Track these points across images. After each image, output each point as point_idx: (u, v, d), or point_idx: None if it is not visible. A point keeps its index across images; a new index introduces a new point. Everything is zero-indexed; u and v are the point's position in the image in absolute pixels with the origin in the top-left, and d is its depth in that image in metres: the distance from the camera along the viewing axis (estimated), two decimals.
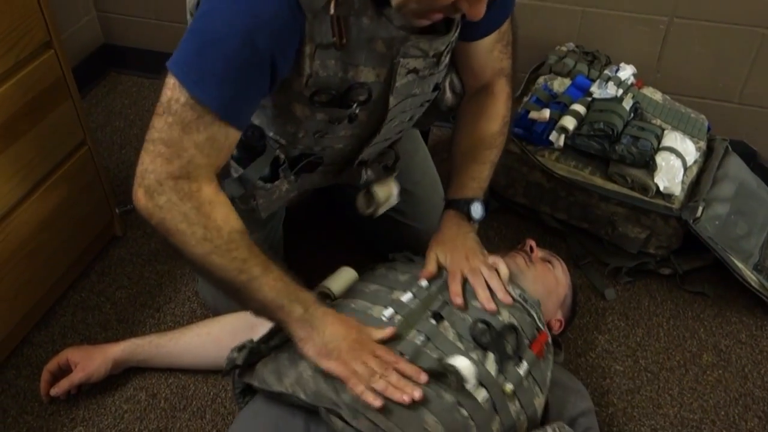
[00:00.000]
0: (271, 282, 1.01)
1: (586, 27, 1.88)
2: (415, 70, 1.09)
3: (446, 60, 1.16)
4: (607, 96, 1.71)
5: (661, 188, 1.59)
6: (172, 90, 0.95)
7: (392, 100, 1.12)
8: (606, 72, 1.78)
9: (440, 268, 1.23)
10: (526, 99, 1.80)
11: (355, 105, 1.08)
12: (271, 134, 1.17)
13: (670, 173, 1.59)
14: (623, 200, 1.62)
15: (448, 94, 1.29)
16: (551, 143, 1.68)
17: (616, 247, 1.71)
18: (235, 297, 1.04)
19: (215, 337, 1.39)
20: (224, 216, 1.00)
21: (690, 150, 1.65)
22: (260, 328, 1.19)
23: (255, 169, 1.15)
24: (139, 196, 0.99)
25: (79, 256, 1.67)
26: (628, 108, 1.68)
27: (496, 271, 1.20)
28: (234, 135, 1.00)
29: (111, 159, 2.05)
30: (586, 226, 1.74)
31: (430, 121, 1.42)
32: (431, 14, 0.96)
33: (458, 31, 1.13)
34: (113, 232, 1.80)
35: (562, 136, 1.66)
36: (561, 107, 1.71)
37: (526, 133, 1.72)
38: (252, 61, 0.93)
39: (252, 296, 1.02)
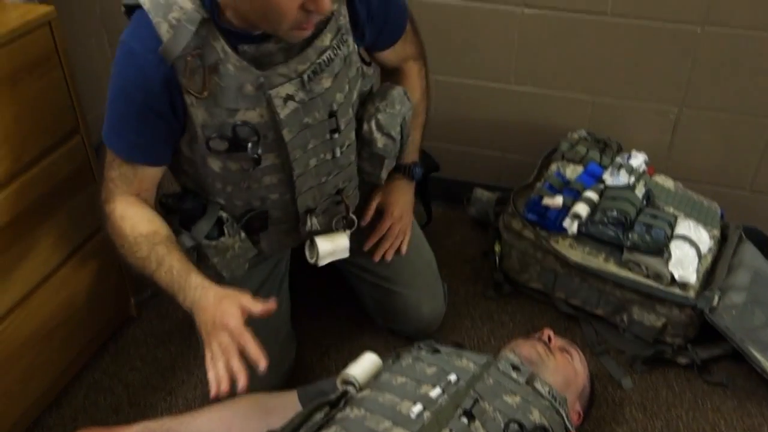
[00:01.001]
0: (163, 275, 1.15)
1: (598, 115, 1.93)
2: (290, 97, 1.14)
3: (326, 82, 1.18)
4: (620, 183, 1.74)
5: (676, 277, 1.59)
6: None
7: (286, 134, 1.17)
8: (618, 159, 1.81)
9: (463, 357, 1.24)
10: (539, 185, 1.83)
11: (250, 146, 1.16)
12: (211, 197, 1.28)
13: (685, 262, 1.59)
14: (638, 288, 1.62)
15: (376, 135, 1.33)
16: (565, 229, 1.70)
17: (631, 334, 1.70)
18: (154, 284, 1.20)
19: (227, 423, 1.37)
20: (131, 225, 1.20)
21: (704, 238, 1.66)
22: (275, 413, 1.18)
23: (198, 229, 1.25)
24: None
25: (94, 336, 1.68)
26: (640, 196, 1.70)
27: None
28: (142, 170, 1.21)
29: None
30: (600, 312, 1.73)
31: (375, 168, 1.41)
32: (299, 25, 1.05)
33: (329, 52, 1.16)
34: (129, 312, 1.81)
35: (576, 223, 1.68)
36: (574, 194, 1.74)
37: (539, 219, 1.73)
38: (139, 113, 1.12)
39: (160, 284, 1.17)
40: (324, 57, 1.16)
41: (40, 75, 1.34)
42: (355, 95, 1.30)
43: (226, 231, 1.27)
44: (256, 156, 1.18)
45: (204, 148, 1.17)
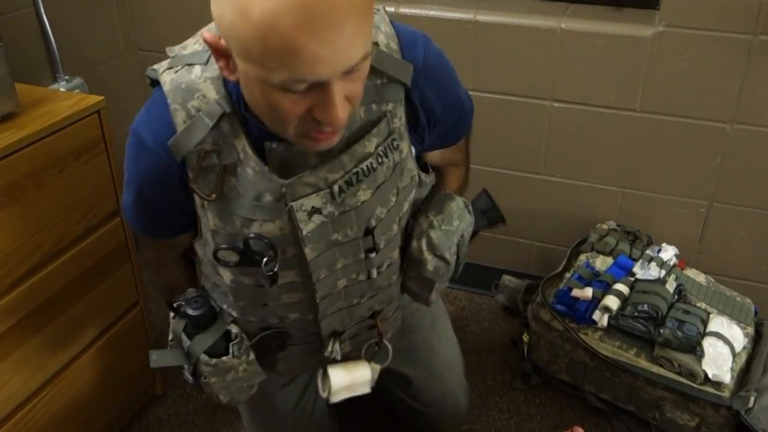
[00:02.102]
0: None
1: (627, 206, 1.93)
2: (316, 210, 0.95)
3: (364, 194, 0.98)
4: (650, 277, 1.73)
5: (710, 375, 1.55)
6: None
7: (309, 252, 0.98)
8: (648, 252, 1.81)
9: None
10: (568, 275, 1.82)
11: (264, 261, 0.98)
12: (224, 307, 1.12)
13: (719, 360, 1.56)
14: (671, 385, 1.58)
15: (426, 255, 1.10)
16: (594, 322, 1.68)
17: None
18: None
19: None
20: (187, 283, 1.20)
21: (738, 336, 1.63)
22: None
23: (200, 342, 1.09)
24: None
25: (119, 414, 1.68)
26: (671, 290, 1.69)
27: None
28: (180, 238, 1.10)
29: (158, 315, 2.10)
30: (632, 408, 1.69)
31: (423, 290, 1.18)
32: (311, 134, 0.84)
33: (372, 159, 0.97)
34: (154, 390, 1.81)
35: (606, 316, 1.66)
36: (604, 286, 1.73)
37: (569, 311, 1.72)
38: (152, 205, 1.03)
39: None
40: (363, 166, 0.96)
41: (86, 160, 1.40)
42: (405, 207, 1.08)
43: (231, 350, 1.10)
44: (270, 273, 1.00)
45: (213, 257, 1.01)
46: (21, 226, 1.28)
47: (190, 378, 1.13)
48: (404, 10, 1.85)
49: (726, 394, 1.56)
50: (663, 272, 1.74)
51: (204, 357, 1.08)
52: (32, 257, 1.32)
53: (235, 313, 1.11)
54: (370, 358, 1.22)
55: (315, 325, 1.11)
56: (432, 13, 1.83)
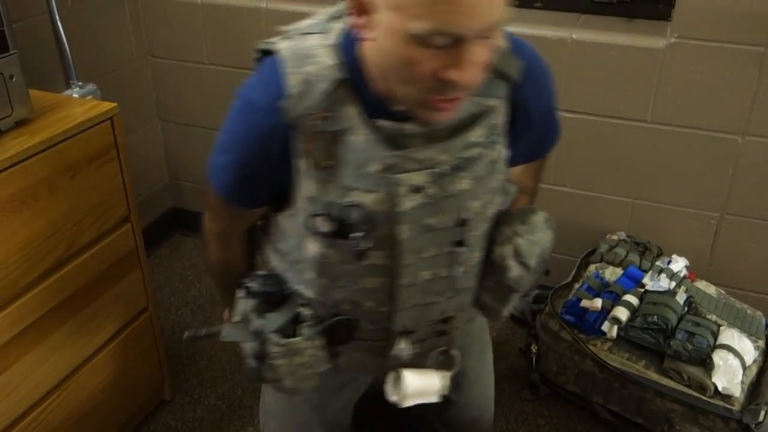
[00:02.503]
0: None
1: (637, 218, 1.93)
2: (419, 188, 0.95)
3: (463, 183, 0.98)
4: (660, 288, 1.72)
5: (720, 388, 1.54)
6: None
7: (403, 230, 0.97)
8: (658, 263, 1.80)
9: None
10: (577, 286, 1.82)
11: (356, 236, 0.96)
12: (300, 288, 1.09)
13: (729, 373, 1.55)
14: (680, 398, 1.58)
15: (510, 262, 1.07)
16: (604, 333, 1.67)
17: None
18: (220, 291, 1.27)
19: None
20: (242, 262, 1.20)
21: (748, 349, 1.62)
22: None
23: (271, 321, 1.06)
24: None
25: (127, 419, 1.68)
26: (681, 302, 1.68)
27: None
28: (253, 211, 1.10)
29: (167, 320, 2.11)
30: (641, 421, 1.68)
31: (497, 302, 1.15)
32: (432, 101, 0.85)
33: (478, 149, 0.98)
34: (162, 395, 1.82)
35: (615, 327, 1.66)
36: (613, 297, 1.72)
37: (577, 321, 1.71)
38: (245, 165, 0.99)
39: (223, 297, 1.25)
40: (468, 154, 0.96)
41: (98, 166, 1.41)
42: (491, 210, 1.06)
43: (302, 331, 1.07)
44: (358, 250, 0.98)
45: (304, 226, 1.00)
46: (33, 230, 1.30)
47: (252, 362, 1.09)
48: None
49: (736, 407, 1.54)
50: (673, 284, 1.73)
51: (274, 337, 1.05)
52: (44, 262, 1.33)
53: (310, 293, 1.07)
54: (438, 367, 1.18)
55: (387, 319, 1.08)
56: None
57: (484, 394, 1.40)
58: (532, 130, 1.06)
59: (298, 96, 0.90)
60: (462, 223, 1.01)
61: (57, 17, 1.85)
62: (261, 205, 1.09)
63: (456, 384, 1.28)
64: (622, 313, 1.66)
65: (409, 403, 1.17)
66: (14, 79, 1.26)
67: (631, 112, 1.78)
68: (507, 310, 1.17)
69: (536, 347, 1.81)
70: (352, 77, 0.91)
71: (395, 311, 1.06)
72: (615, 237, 1.92)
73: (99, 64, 2.05)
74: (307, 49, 0.92)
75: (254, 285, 1.08)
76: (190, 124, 2.32)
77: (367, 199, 0.94)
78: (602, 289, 1.77)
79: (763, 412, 1.53)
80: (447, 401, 1.32)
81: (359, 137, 0.92)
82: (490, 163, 1.00)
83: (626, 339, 1.66)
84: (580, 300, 1.74)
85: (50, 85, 1.87)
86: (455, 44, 0.78)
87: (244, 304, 1.08)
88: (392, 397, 1.18)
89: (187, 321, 2.12)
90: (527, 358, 1.85)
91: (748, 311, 1.76)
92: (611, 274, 1.82)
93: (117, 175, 1.46)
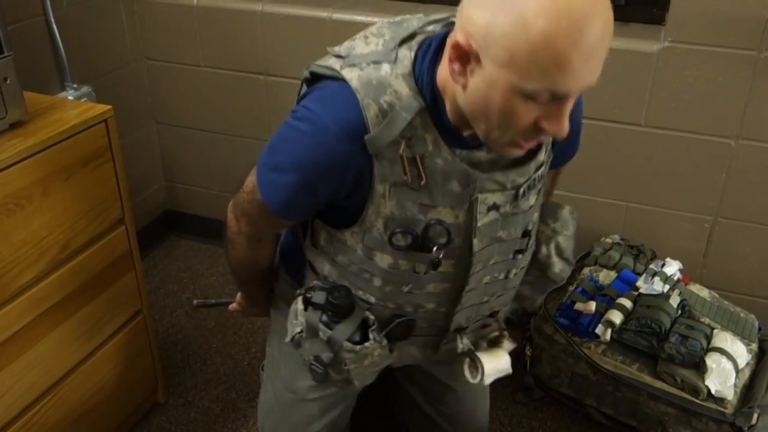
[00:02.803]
0: (253, 289, 1.32)
1: (631, 221, 1.93)
2: (495, 207, 1.03)
3: (531, 199, 1.08)
4: (654, 291, 1.72)
5: (713, 391, 1.55)
6: (253, 179, 1.09)
7: (476, 243, 1.04)
8: (652, 266, 1.81)
9: None
10: (571, 289, 1.82)
11: (435, 248, 1.03)
12: (360, 294, 1.14)
13: (722, 376, 1.56)
14: (673, 401, 1.58)
15: (554, 258, 1.19)
16: (597, 336, 1.68)
17: None
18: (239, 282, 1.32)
19: None
20: (268, 262, 1.25)
21: (741, 352, 1.62)
22: None
23: (342, 330, 1.11)
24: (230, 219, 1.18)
25: (121, 422, 1.68)
26: (675, 305, 1.68)
27: None
28: (273, 219, 1.10)
29: (161, 322, 2.11)
30: (634, 424, 1.69)
31: (536, 293, 1.28)
32: (519, 141, 0.92)
33: (543, 168, 1.07)
34: (156, 398, 1.81)
35: (609, 330, 1.66)
36: (607, 300, 1.73)
37: (571, 324, 1.72)
38: (303, 186, 1.01)
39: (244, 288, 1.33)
40: (539, 173, 1.06)
41: (93, 168, 1.41)
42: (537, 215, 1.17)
43: (371, 336, 1.12)
44: (437, 260, 1.05)
45: (382, 241, 1.05)
46: (27, 232, 1.29)
47: (319, 369, 1.15)
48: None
49: (729, 410, 1.55)
50: (667, 287, 1.74)
51: (347, 344, 1.10)
52: (38, 264, 1.33)
53: (373, 299, 1.13)
54: (495, 347, 1.27)
55: (443, 318, 1.16)
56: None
57: (479, 384, 1.40)
58: (563, 143, 1.11)
59: (386, 126, 0.94)
60: (526, 234, 1.11)
61: (52, 19, 1.85)
62: (308, 218, 1.14)
63: (453, 372, 1.35)
64: (615, 316, 1.66)
65: (491, 380, 1.24)
66: (8, 81, 1.26)
67: (625, 116, 1.79)
68: (542, 299, 1.27)
69: (530, 350, 1.81)
70: (430, 106, 0.95)
71: (456, 312, 1.14)
72: (609, 240, 1.92)
73: (94, 66, 2.05)
74: (382, 79, 0.95)
75: (319, 298, 1.12)
76: (185, 127, 2.32)
77: (449, 216, 1.02)
78: (596, 292, 1.77)
79: (755, 415, 1.53)
80: (447, 388, 1.38)
81: (439, 160, 0.97)
82: (543, 176, 1.09)
83: (620, 342, 1.67)
84: (574, 303, 1.74)
85: (45, 87, 1.87)
86: (553, 100, 0.85)
87: (308, 316, 1.12)
88: (473, 380, 1.25)
89: (182, 323, 2.11)
90: (521, 361, 1.85)
91: (742, 314, 1.76)
92: (605, 277, 1.82)
93: (112, 178, 1.46)
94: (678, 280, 1.79)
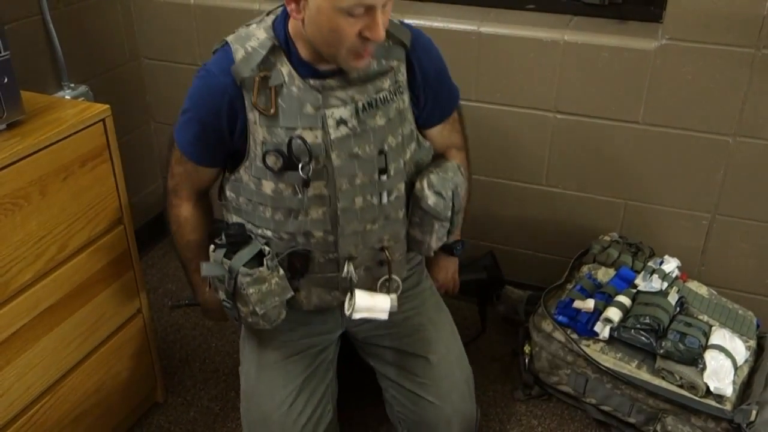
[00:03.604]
0: (192, 276, 1.51)
1: (629, 218, 1.94)
2: (343, 121, 1.24)
3: (379, 120, 1.27)
4: (652, 289, 1.73)
5: (712, 388, 1.55)
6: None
7: (335, 158, 1.25)
8: (650, 264, 1.81)
9: None
10: (570, 287, 1.82)
11: (301, 166, 1.24)
12: (258, 231, 1.34)
13: (720, 373, 1.56)
14: (672, 398, 1.58)
15: (427, 192, 1.35)
16: (596, 334, 1.68)
17: None
18: (184, 270, 1.53)
19: None
20: (190, 229, 1.45)
21: (739, 349, 1.62)
22: None
23: (239, 258, 1.30)
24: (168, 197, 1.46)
25: (120, 422, 1.68)
26: (673, 302, 1.69)
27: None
28: (202, 170, 1.38)
29: (160, 322, 2.11)
30: (633, 421, 1.69)
31: (425, 234, 1.41)
32: (357, 52, 1.17)
33: (384, 93, 1.28)
34: (155, 398, 1.81)
35: (608, 328, 1.66)
36: (606, 298, 1.73)
37: (570, 322, 1.72)
38: (201, 121, 1.28)
39: (188, 278, 1.54)
40: (380, 95, 1.27)
41: (91, 168, 1.41)
42: (408, 154, 1.35)
43: (265, 263, 1.30)
44: (306, 177, 1.25)
45: (263, 169, 1.26)
46: (25, 232, 1.29)
47: (228, 303, 1.34)
48: (408, 20, 1.85)
49: (728, 407, 1.55)
50: (665, 284, 1.74)
51: (243, 269, 1.29)
52: (36, 264, 1.33)
53: (269, 232, 1.34)
54: (386, 291, 1.43)
55: (334, 247, 1.34)
56: (436, 24, 1.85)
57: (450, 347, 1.54)
58: (431, 87, 1.36)
59: (245, 59, 1.22)
60: (382, 152, 1.29)
61: (49, 18, 1.85)
62: (212, 163, 1.37)
63: (423, 340, 1.50)
64: (614, 314, 1.66)
65: (359, 316, 1.38)
66: (6, 81, 1.25)
67: (622, 114, 1.79)
68: (435, 242, 1.43)
69: (529, 348, 1.82)
70: (283, 47, 1.23)
71: (339, 237, 1.32)
72: (607, 238, 1.93)
73: (91, 66, 2.05)
74: (248, 32, 1.26)
75: (220, 238, 1.33)
76: None
77: (308, 135, 1.24)
78: (595, 289, 1.77)
79: (754, 412, 1.54)
80: (418, 358, 1.49)
81: (294, 88, 1.23)
82: (398, 111, 1.30)
83: (619, 339, 1.67)
84: (572, 301, 1.74)
85: (42, 86, 1.86)
86: (367, 12, 1.12)
87: (215, 255, 1.32)
88: (347, 311, 1.38)
89: (181, 323, 2.11)
90: (520, 358, 1.86)
91: (740, 311, 1.77)
92: (604, 274, 1.82)
93: (109, 177, 1.46)
94: (676, 278, 1.79)
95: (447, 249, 1.59)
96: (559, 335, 1.72)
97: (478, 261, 2.03)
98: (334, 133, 1.24)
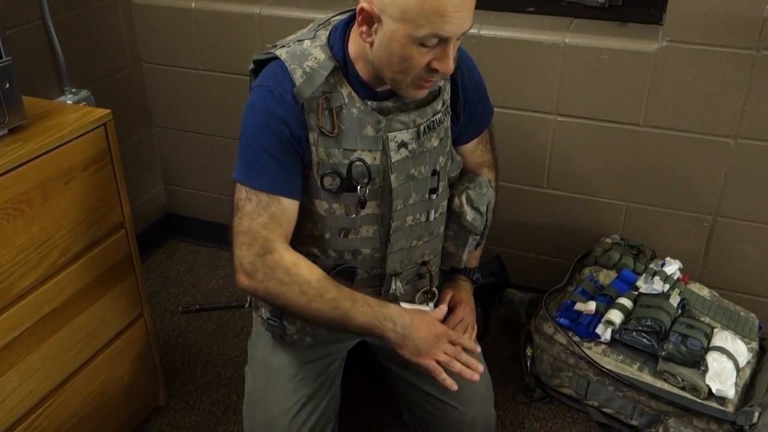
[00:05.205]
0: (361, 309, 1.24)
1: (631, 220, 1.93)
2: (404, 144, 1.24)
3: (434, 141, 1.28)
4: (654, 291, 1.72)
5: (714, 390, 1.55)
6: (237, 192, 1.23)
7: (394, 179, 1.25)
8: (652, 266, 1.81)
9: None
10: (571, 289, 1.82)
11: (359, 187, 1.23)
12: (301, 249, 1.28)
13: (722, 375, 1.56)
14: (674, 400, 1.58)
15: (466, 207, 1.38)
16: (598, 336, 1.68)
17: None
18: (339, 328, 1.26)
19: None
20: (308, 270, 1.24)
21: (741, 351, 1.62)
22: None
23: None
24: (242, 280, 1.24)
25: (122, 426, 1.68)
26: (675, 304, 1.68)
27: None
28: (288, 204, 1.23)
29: (162, 326, 2.11)
30: (635, 423, 1.69)
31: (459, 248, 1.45)
32: (419, 82, 1.16)
33: (440, 115, 1.28)
34: (157, 402, 1.81)
35: (609, 330, 1.66)
36: (607, 300, 1.73)
37: (572, 324, 1.72)
38: (279, 145, 1.20)
39: (350, 324, 1.24)
40: (436, 118, 1.28)
41: (93, 172, 1.41)
42: (448, 169, 1.37)
43: None
44: (363, 198, 1.24)
45: (316, 185, 1.24)
46: (27, 237, 1.30)
47: (275, 321, 1.35)
48: None
49: (730, 409, 1.55)
50: (667, 286, 1.74)
51: None
52: (38, 268, 1.33)
53: (316, 250, 1.31)
54: (426, 303, 1.44)
55: (381, 264, 1.34)
56: None
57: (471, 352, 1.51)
58: (470, 105, 1.37)
59: (306, 82, 1.18)
60: (435, 173, 1.31)
61: (50, 23, 1.85)
62: (296, 193, 1.24)
63: None
64: (616, 316, 1.66)
65: None
66: (7, 86, 1.26)
67: (623, 116, 1.79)
68: (466, 255, 1.46)
69: (531, 350, 1.82)
70: (342, 68, 1.21)
71: (388, 254, 1.32)
72: (609, 240, 1.93)
73: (93, 71, 2.05)
74: (304, 50, 1.21)
75: None
76: (184, 130, 2.32)
77: (367, 157, 1.23)
78: (596, 292, 1.77)
79: (756, 414, 1.53)
80: (438, 403, 1.43)
81: (354, 110, 1.21)
82: (445, 129, 1.32)
83: (620, 342, 1.67)
84: (574, 303, 1.74)
85: (44, 91, 1.87)
86: (440, 44, 1.10)
87: None
88: None
89: (183, 327, 2.11)
90: (522, 361, 1.86)
91: (742, 313, 1.77)
92: (605, 277, 1.82)
93: (111, 182, 1.46)
94: (678, 280, 1.79)
95: (464, 273, 1.54)
96: (560, 338, 1.72)
97: (485, 266, 2.02)
98: (395, 156, 1.24)
